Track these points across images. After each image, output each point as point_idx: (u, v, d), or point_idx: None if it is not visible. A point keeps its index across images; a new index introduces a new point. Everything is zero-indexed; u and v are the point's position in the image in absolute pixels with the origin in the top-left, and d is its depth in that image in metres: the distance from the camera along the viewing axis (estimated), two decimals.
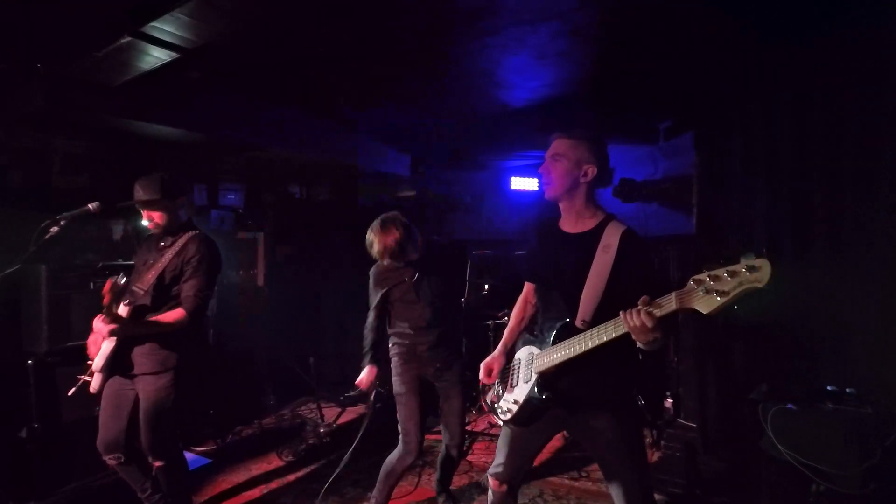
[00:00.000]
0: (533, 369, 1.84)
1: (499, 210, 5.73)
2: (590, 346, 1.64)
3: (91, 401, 3.00)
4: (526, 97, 3.77)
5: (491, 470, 2.03)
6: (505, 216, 5.69)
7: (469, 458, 3.73)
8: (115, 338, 2.32)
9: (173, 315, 2.38)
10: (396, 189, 5.80)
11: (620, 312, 1.53)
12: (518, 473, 2.01)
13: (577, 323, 1.74)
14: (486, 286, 4.81)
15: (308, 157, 4.43)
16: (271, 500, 3.14)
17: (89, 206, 2.48)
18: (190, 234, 2.52)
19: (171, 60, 2.66)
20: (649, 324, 1.46)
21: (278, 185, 5.58)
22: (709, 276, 1.36)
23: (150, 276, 2.43)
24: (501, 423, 1.97)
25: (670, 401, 4.16)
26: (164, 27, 2.31)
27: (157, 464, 2.47)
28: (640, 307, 1.48)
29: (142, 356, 2.41)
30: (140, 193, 2.43)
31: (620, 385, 1.85)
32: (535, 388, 1.80)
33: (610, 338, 1.59)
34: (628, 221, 1.84)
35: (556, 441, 3.88)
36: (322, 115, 4.27)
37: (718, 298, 1.34)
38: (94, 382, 2.39)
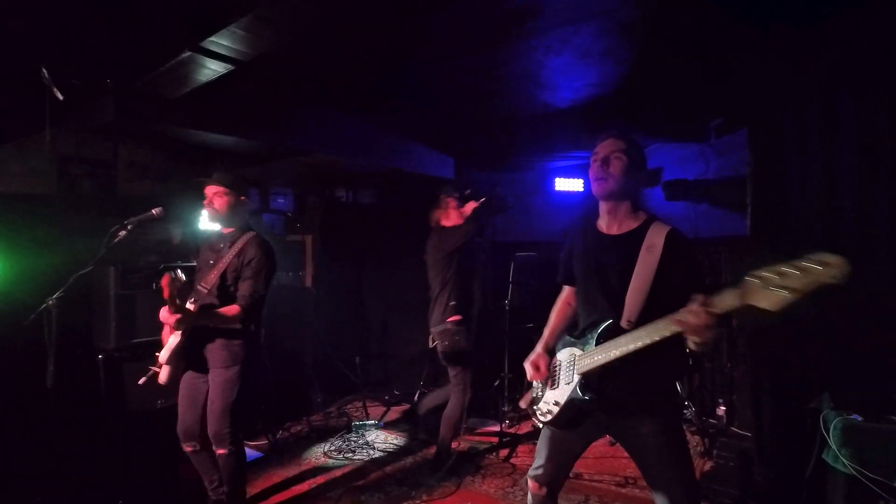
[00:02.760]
0: (575, 370, 1.81)
1: (543, 211, 5.68)
2: (638, 346, 1.60)
3: (152, 395, 3.22)
4: (570, 97, 3.73)
5: (530, 472, 2.01)
6: (549, 217, 5.63)
7: (513, 460, 3.71)
8: (179, 332, 2.48)
9: (230, 310, 2.54)
10: (440, 191, 5.84)
11: (680, 311, 1.49)
12: (558, 476, 1.98)
13: (623, 323, 1.71)
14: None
15: (354, 162, 4.54)
16: (318, 494, 3.23)
17: (153, 211, 2.66)
18: (248, 236, 2.69)
19: (226, 72, 2.80)
20: (709, 321, 1.42)
21: (325, 188, 5.74)
22: (773, 273, 1.29)
23: (213, 277, 2.61)
24: (541, 425, 1.96)
25: (723, 408, 4.01)
26: (221, 41, 2.43)
27: (221, 451, 2.63)
28: (697, 305, 1.44)
29: (213, 351, 2.60)
30: (214, 178, 2.66)
31: (665, 389, 1.81)
32: (579, 390, 1.77)
33: (662, 337, 1.54)
34: (678, 222, 1.79)
35: (603, 447, 3.81)
36: (367, 119, 4.37)
37: (786, 294, 1.26)
38: (163, 374, 2.58)
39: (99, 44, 2.75)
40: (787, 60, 3.05)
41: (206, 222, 3.96)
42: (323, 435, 4.18)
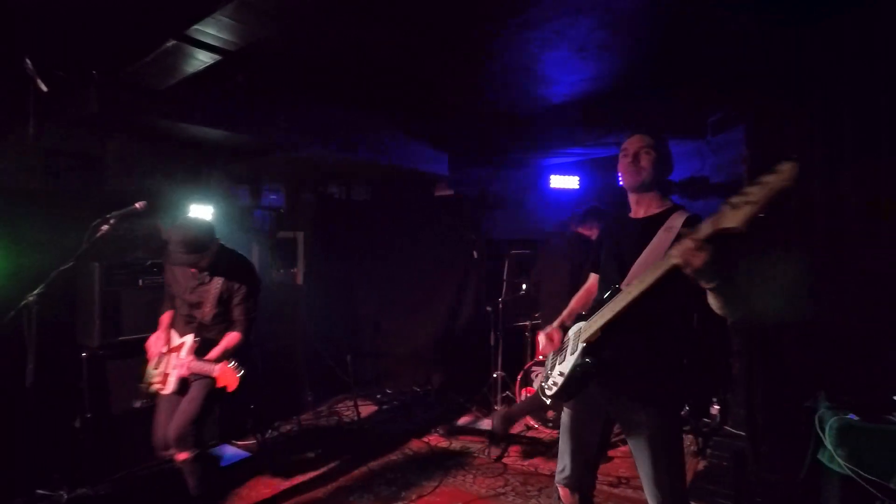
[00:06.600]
0: (580, 339, 1.85)
1: (537, 209, 5.63)
2: (632, 295, 1.65)
3: (134, 394, 3.16)
4: (566, 92, 3.69)
5: (557, 478, 2.01)
6: (544, 215, 5.58)
7: (504, 460, 3.67)
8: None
9: (232, 341, 2.71)
10: (434, 188, 5.80)
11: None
12: (585, 476, 1.97)
13: (623, 286, 1.75)
14: (524, 286, 4.73)
15: (347, 158, 4.48)
16: (307, 495, 3.18)
17: (136, 205, 2.58)
18: (227, 261, 2.74)
19: (214, 63, 2.74)
20: (693, 245, 1.47)
21: (318, 185, 5.67)
22: (739, 196, 1.41)
23: (208, 310, 2.71)
24: (547, 402, 1.96)
25: (717, 407, 3.98)
26: (207, 30, 2.37)
27: (183, 456, 2.59)
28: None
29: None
30: (184, 258, 2.58)
31: (665, 376, 1.81)
32: (580, 355, 1.82)
33: (655, 278, 1.59)
34: None
35: None
36: (360, 115, 4.31)
37: (749, 207, 1.38)
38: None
39: (83, 32, 2.68)
40: (790, 55, 3.01)
41: (196, 215, 3.92)
42: (313, 435, 4.13)
